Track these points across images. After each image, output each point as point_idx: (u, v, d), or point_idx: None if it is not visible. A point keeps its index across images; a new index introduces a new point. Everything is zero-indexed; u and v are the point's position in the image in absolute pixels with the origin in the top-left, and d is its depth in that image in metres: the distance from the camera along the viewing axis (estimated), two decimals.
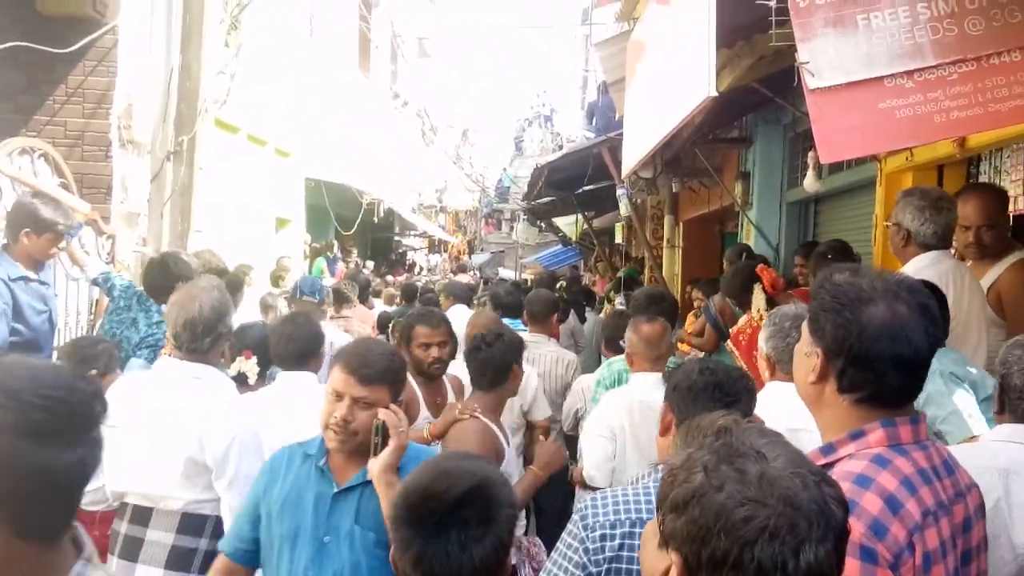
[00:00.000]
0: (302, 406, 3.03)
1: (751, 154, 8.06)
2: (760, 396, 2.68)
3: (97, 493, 2.91)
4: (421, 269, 24.69)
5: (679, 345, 6.66)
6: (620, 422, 3.56)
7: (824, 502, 1.09)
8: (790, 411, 2.51)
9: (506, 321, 5.65)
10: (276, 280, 8.64)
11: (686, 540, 1.11)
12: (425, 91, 23.73)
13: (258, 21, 7.91)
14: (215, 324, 2.86)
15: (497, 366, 3.33)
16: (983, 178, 4.74)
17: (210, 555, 2.68)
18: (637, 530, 1.99)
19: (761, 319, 4.64)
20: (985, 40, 2.98)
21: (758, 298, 4.65)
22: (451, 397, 3.90)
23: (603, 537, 2.01)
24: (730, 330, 5.20)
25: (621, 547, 2.00)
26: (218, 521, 2.78)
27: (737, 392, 2.27)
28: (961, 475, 1.66)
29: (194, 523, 2.79)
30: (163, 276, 4.35)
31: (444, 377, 3.93)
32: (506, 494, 1.67)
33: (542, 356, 4.94)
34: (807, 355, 1.68)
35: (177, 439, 2.75)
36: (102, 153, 5.75)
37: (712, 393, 2.25)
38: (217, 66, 6.83)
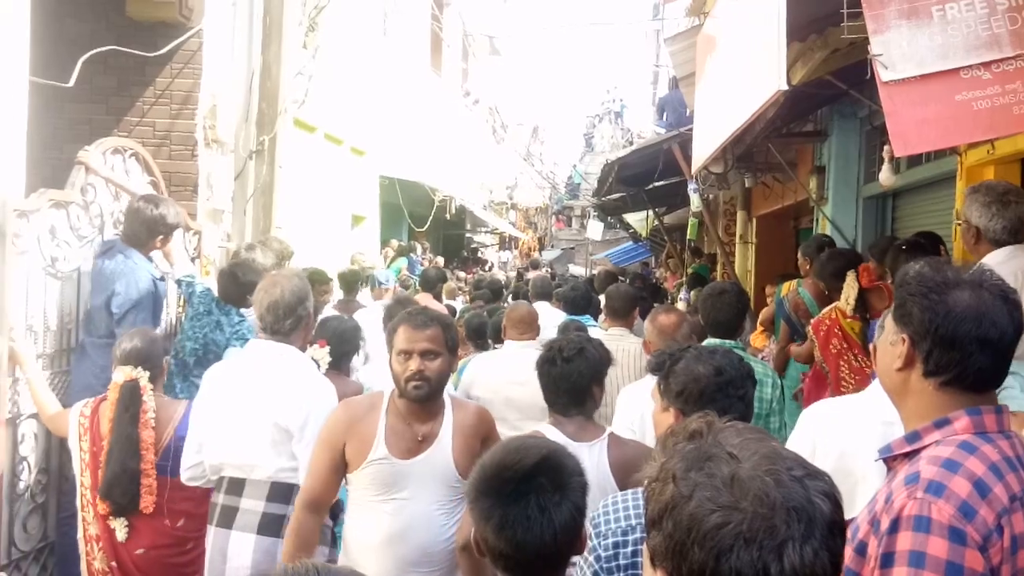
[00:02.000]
0: None
1: (826, 148, 7.92)
2: (866, 391, 2.63)
3: (197, 469, 3.24)
4: (492, 266, 24.84)
5: (751, 341, 6.62)
6: (640, 412, 3.40)
7: (807, 498, 1.02)
8: (887, 405, 2.49)
9: (574, 318, 5.71)
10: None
11: (666, 556, 1.06)
12: (495, 89, 23.89)
13: (334, 22, 8.12)
14: (295, 307, 3.18)
15: (574, 385, 2.89)
16: None
17: None
18: None
19: (846, 310, 4.59)
20: None
21: (851, 288, 4.58)
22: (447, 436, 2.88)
23: (616, 545, 1.97)
24: (811, 321, 5.16)
25: (635, 554, 1.95)
26: None
27: (743, 383, 2.22)
28: None
29: (282, 491, 3.09)
30: (234, 286, 4.59)
31: (451, 403, 2.94)
32: (575, 463, 1.74)
33: (624, 350, 4.86)
34: (892, 344, 1.73)
35: (264, 408, 3.07)
36: (188, 152, 5.99)
37: (726, 392, 2.17)
38: (296, 67, 7.04)
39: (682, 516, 1.03)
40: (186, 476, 3.29)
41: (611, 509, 2.06)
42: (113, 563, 3.54)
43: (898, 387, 1.73)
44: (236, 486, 3.13)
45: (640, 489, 2.04)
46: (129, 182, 4.86)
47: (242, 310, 4.73)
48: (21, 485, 4.04)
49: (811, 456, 2.51)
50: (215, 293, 4.70)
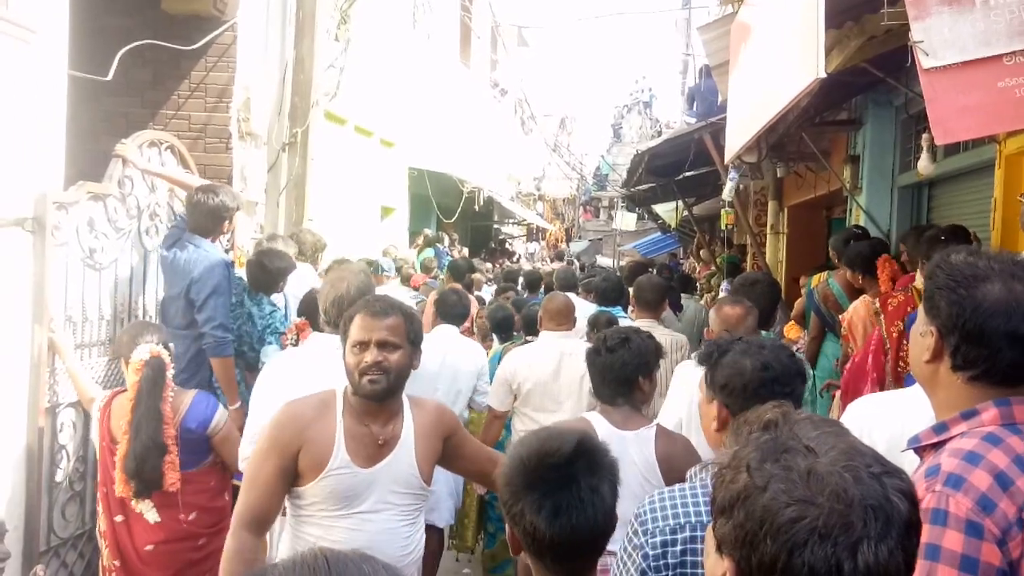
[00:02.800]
0: None
1: (861, 137, 7.81)
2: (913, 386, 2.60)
3: None
4: (519, 257, 24.86)
5: (785, 332, 6.57)
6: (690, 399, 3.34)
7: (884, 496, 1.01)
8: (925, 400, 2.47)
9: (604, 309, 5.70)
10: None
11: (735, 545, 1.04)
12: (524, 80, 23.86)
13: (365, 15, 8.15)
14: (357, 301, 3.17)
15: (618, 375, 2.93)
16: None
17: None
18: (699, 534, 1.89)
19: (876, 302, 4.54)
20: None
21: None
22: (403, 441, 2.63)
23: (664, 544, 1.92)
24: (840, 317, 5.11)
25: (684, 552, 1.91)
26: None
27: (792, 380, 2.14)
28: None
29: None
30: (263, 274, 4.69)
31: (409, 402, 2.69)
32: (603, 444, 1.77)
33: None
34: (922, 335, 1.70)
35: None
36: (223, 145, 6.06)
37: (771, 388, 2.10)
38: (328, 60, 7.08)
39: (755, 507, 1.02)
40: (244, 464, 3.33)
41: (658, 507, 2.00)
42: (116, 561, 3.54)
43: (928, 378, 1.71)
44: None
45: (687, 485, 2.04)
46: (168, 170, 4.94)
47: (274, 298, 4.79)
48: (60, 473, 4.12)
49: None
50: (245, 282, 4.76)
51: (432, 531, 4.27)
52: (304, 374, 3.19)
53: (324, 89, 7.00)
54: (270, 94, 6.53)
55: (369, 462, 2.52)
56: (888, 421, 2.49)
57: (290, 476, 2.50)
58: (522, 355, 4.61)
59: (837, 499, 0.99)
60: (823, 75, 3.02)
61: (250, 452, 3.25)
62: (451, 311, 5.09)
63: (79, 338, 4.27)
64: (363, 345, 2.52)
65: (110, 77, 4.61)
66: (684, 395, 3.45)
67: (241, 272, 5.00)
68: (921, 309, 1.73)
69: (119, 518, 3.56)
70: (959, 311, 1.59)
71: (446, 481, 4.57)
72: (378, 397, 2.53)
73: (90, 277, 4.38)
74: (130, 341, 3.67)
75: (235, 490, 4.42)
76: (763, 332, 3.88)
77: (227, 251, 5.52)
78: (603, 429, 2.80)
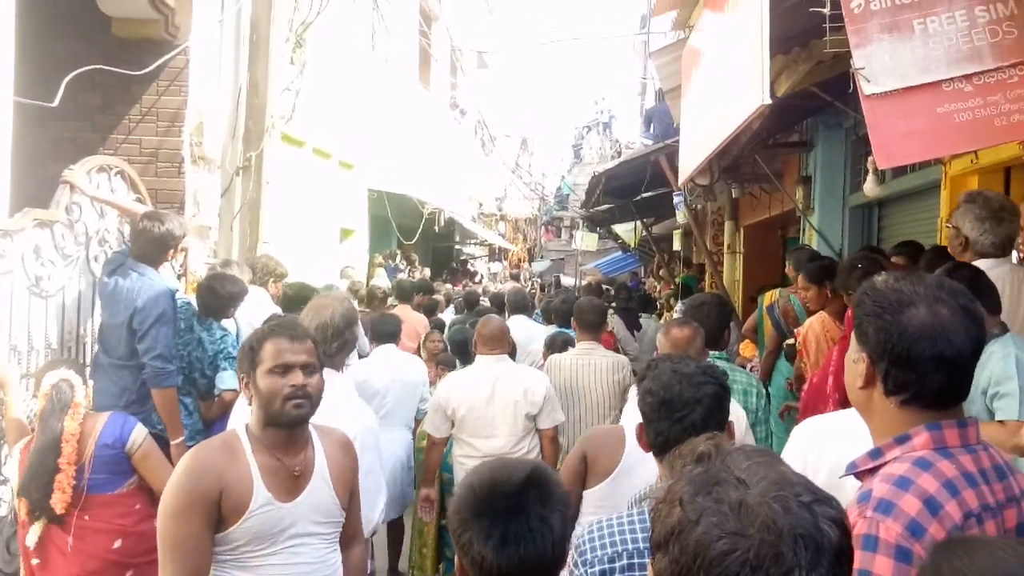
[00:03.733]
0: None
1: (812, 158, 7.97)
2: None
3: None
4: (482, 277, 24.86)
5: (740, 351, 6.64)
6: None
7: (815, 525, 1.01)
8: None
9: (565, 331, 5.72)
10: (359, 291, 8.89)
11: None
12: (484, 102, 23.93)
13: (322, 38, 8.13)
14: (343, 330, 3.20)
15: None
16: None
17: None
18: (636, 561, 1.93)
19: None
20: None
21: None
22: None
23: (603, 572, 1.95)
24: (796, 330, 5.16)
25: None
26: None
27: (686, 404, 2.18)
28: (1017, 481, 1.65)
29: None
30: (213, 299, 4.60)
31: (316, 432, 2.62)
32: (556, 474, 1.76)
33: (594, 365, 4.90)
34: (855, 361, 1.71)
35: None
36: (175, 169, 5.99)
37: (660, 413, 2.19)
38: (283, 83, 7.04)
39: (688, 541, 1.02)
40: None
41: (596, 536, 2.03)
42: None
43: (863, 404, 1.72)
44: None
45: (624, 514, 2.05)
46: (116, 198, 4.86)
47: (225, 323, 4.72)
48: (3, 507, 4.00)
49: (802, 472, 2.51)
50: (195, 307, 4.67)
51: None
52: None
53: (280, 112, 6.95)
54: (224, 118, 6.48)
55: (289, 495, 2.45)
56: (835, 443, 2.52)
57: (214, 526, 2.35)
58: (455, 380, 4.59)
59: (767, 530, 0.99)
60: (768, 101, 3.07)
61: None
62: (383, 330, 5.27)
63: (24, 367, 4.17)
64: (285, 368, 2.41)
65: (56, 103, 4.54)
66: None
67: (191, 298, 4.93)
68: (853, 336, 1.75)
69: (35, 561, 3.41)
70: (886, 336, 1.61)
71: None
72: (299, 423, 2.45)
73: (36, 305, 4.29)
74: (42, 373, 3.57)
75: None
76: (715, 352, 3.90)
77: (179, 277, 5.45)
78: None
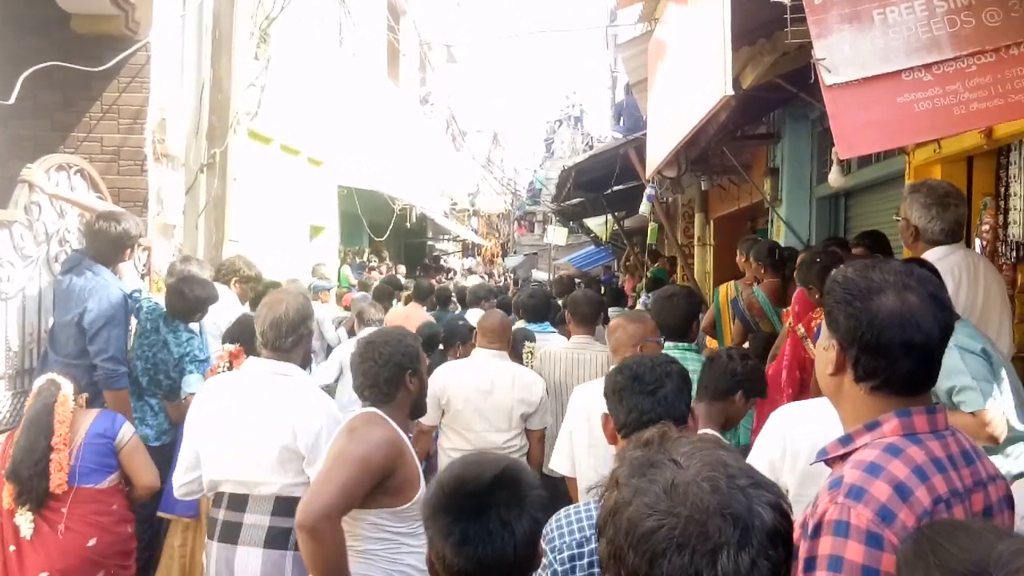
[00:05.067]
0: None
1: (779, 150, 8.01)
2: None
3: (193, 484, 3.20)
4: (455, 273, 24.81)
5: (707, 343, 6.66)
6: (587, 414, 3.48)
7: (747, 507, 1.02)
8: None
9: (531, 327, 5.68)
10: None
11: (608, 561, 1.07)
12: (454, 96, 23.87)
13: (287, 33, 8.05)
14: (298, 325, 3.16)
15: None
16: (1013, 168, 4.69)
17: None
18: None
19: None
20: (1004, 31, 2.96)
21: None
22: None
23: (572, 558, 1.97)
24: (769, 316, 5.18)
25: (591, 564, 1.96)
26: None
27: (657, 379, 2.28)
28: (984, 465, 1.68)
29: (288, 505, 3.01)
30: (182, 302, 4.55)
31: None
32: (532, 476, 1.74)
33: (590, 359, 4.83)
34: (825, 349, 1.73)
35: (272, 430, 3.03)
36: (138, 167, 5.90)
37: (633, 387, 2.26)
38: (247, 79, 6.97)
39: (621, 520, 1.04)
40: (181, 492, 3.24)
41: (564, 523, 2.05)
42: None
43: (833, 391, 1.74)
44: (238, 502, 3.08)
45: (590, 502, 2.07)
46: (77, 196, 4.79)
47: (191, 325, 4.66)
48: None
49: (780, 458, 2.53)
50: (162, 308, 4.61)
51: None
52: (241, 399, 3.12)
53: (244, 108, 6.88)
54: (187, 114, 6.40)
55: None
56: (809, 429, 2.55)
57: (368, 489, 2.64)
58: (452, 370, 4.54)
59: (696, 508, 1.00)
60: (731, 92, 3.08)
61: (185, 479, 3.19)
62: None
63: None
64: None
65: (12, 101, 4.45)
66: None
67: (158, 298, 4.85)
68: (823, 324, 1.76)
69: (12, 548, 3.39)
70: (856, 324, 1.62)
71: None
72: None
73: None
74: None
75: (161, 522, 4.31)
76: (683, 344, 3.91)
77: (143, 276, 5.37)
78: None
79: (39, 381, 3.49)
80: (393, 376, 2.88)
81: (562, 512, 2.07)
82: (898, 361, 1.60)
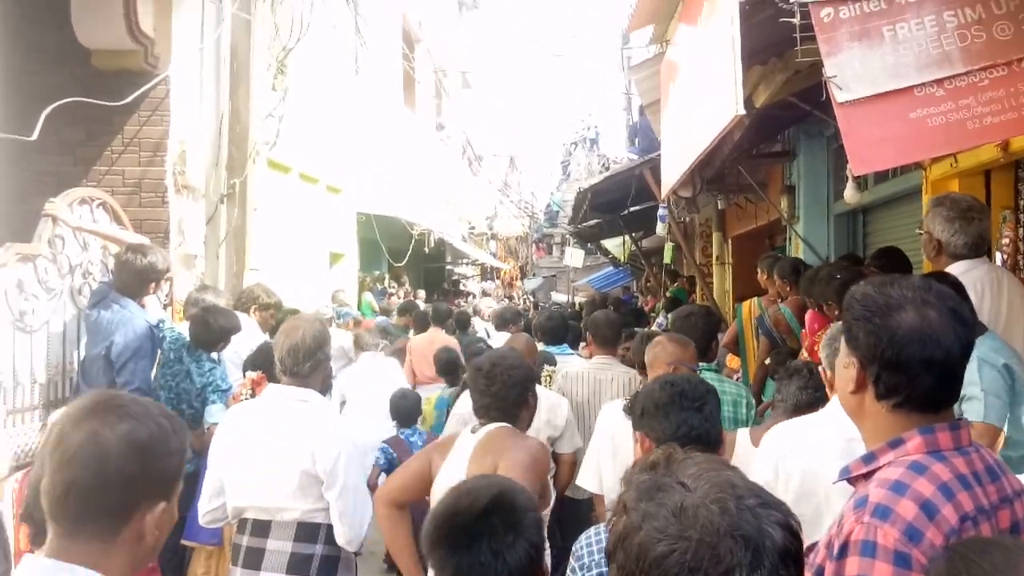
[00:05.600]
0: None
1: (795, 167, 8.00)
2: (826, 408, 2.69)
3: (218, 511, 3.23)
4: (474, 297, 24.85)
5: (727, 362, 6.63)
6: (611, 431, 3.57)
7: (757, 527, 1.02)
8: (848, 422, 2.52)
9: (550, 349, 5.69)
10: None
11: None
12: (470, 121, 24.02)
13: (304, 64, 8.16)
14: (315, 351, 3.18)
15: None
16: None
17: (325, 559, 3.06)
18: None
19: None
20: (1015, 45, 2.96)
21: None
22: None
23: None
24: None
25: None
26: (329, 528, 3.06)
27: (702, 396, 2.28)
28: (1009, 481, 1.67)
29: (309, 531, 3.07)
30: (206, 332, 4.62)
31: None
32: (528, 499, 1.73)
33: (615, 379, 4.82)
34: (845, 367, 1.72)
35: (292, 455, 3.05)
36: (159, 199, 5.98)
37: (680, 403, 2.25)
38: (265, 109, 7.06)
39: (632, 546, 1.04)
40: (206, 519, 3.27)
41: (594, 540, 2.08)
42: None
43: (854, 409, 1.73)
44: (262, 528, 3.10)
45: None
46: (101, 227, 4.86)
47: (214, 355, 4.71)
48: None
49: (774, 479, 2.52)
50: (186, 338, 4.67)
51: None
52: (263, 426, 3.14)
53: (263, 139, 6.97)
54: (206, 146, 6.48)
55: None
56: (804, 445, 2.54)
57: None
58: None
59: (706, 532, 1.00)
60: (742, 112, 3.09)
61: (211, 507, 3.21)
62: None
63: (11, 404, 4.14)
64: None
65: (35, 137, 4.53)
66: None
67: (181, 327, 4.90)
68: (843, 342, 1.76)
69: None
70: (876, 340, 1.62)
71: None
72: None
73: (21, 340, 4.26)
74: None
75: (186, 550, 4.33)
76: (702, 364, 3.90)
77: (165, 307, 5.43)
78: None
79: (54, 416, 3.50)
80: (519, 396, 3.06)
81: (592, 530, 2.10)
82: (919, 378, 1.60)
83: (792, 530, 1.06)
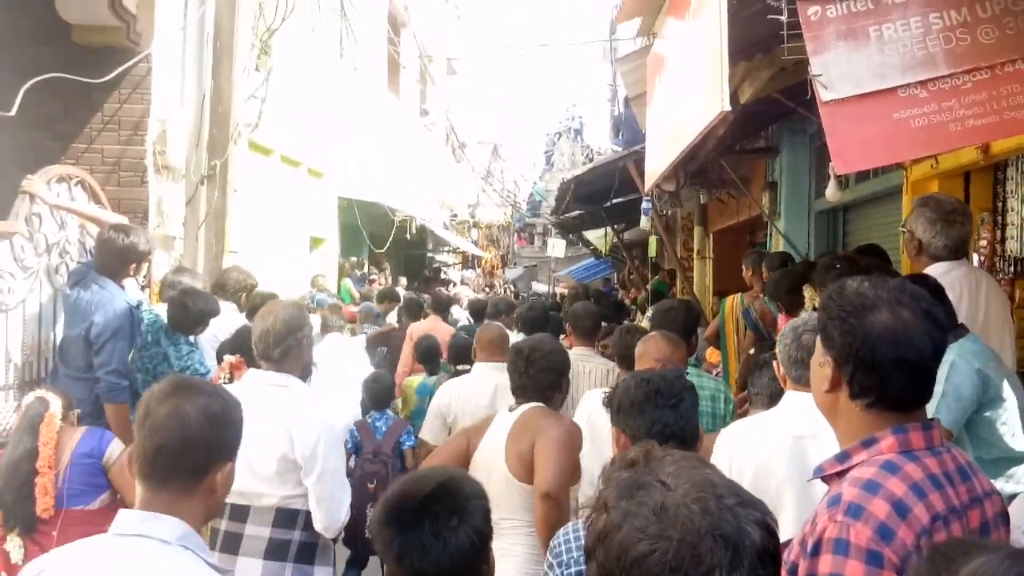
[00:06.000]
0: None
1: (778, 164, 8.04)
2: (778, 405, 2.72)
3: None
4: (455, 284, 24.81)
5: (707, 357, 6.66)
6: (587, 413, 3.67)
7: (736, 527, 1.03)
8: (797, 419, 2.56)
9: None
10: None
11: None
12: (455, 108, 23.94)
13: (288, 45, 8.08)
14: (285, 336, 3.18)
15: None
16: (1011, 184, 4.71)
17: (303, 545, 3.08)
18: None
19: None
20: (998, 48, 2.99)
21: (813, 300, 4.59)
22: None
23: (580, 574, 1.98)
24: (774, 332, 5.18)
25: None
26: (308, 514, 3.07)
27: (678, 393, 2.29)
28: (980, 481, 1.69)
29: (287, 517, 3.08)
30: (184, 315, 4.58)
31: None
32: (475, 487, 1.77)
33: (593, 370, 4.82)
34: (820, 365, 1.74)
35: (270, 441, 3.04)
36: (138, 179, 5.91)
37: (655, 401, 2.26)
38: (248, 90, 6.99)
39: (612, 545, 1.03)
40: None
41: (572, 537, 2.07)
42: None
43: (829, 407, 1.74)
44: (240, 512, 3.09)
45: None
46: (81, 206, 4.80)
47: (192, 338, 4.67)
48: None
49: (727, 475, 2.56)
50: (163, 321, 4.63)
51: None
52: (248, 409, 3.10)
53: (245, 120, 6.90)
54: (187, 126, 6.41)
55: None
56: (754, 442, 2.57)
57: None
58: (455, 388, 4.51)
59: (687, 531, 1.00)
60: (727, 108, 3.10)
61: None
62: None
63: None
64: None
65: (14, 112, 4.46)
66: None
67: (159, 309, 4.86)
68: (818, 340, 1.77)
69: (3, 574, 3.35)
70: (851, 340, 1.63)
71: None
72: None
73: None
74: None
75: None
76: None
77: (143, 288, 5.38)
78: None
79: (27, 398, 3.44)
80: (555, 380, 3.26)
81: (569, 526, 2.10)
82: (892, 378, 1.61)
83: (770, 529, 1.06)
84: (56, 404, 3.41)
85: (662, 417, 2.23)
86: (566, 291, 16.72)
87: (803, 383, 2.60)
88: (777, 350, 2.75)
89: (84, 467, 3.40)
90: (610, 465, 1.16)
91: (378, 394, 5.45)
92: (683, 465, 1.11)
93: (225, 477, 1.87)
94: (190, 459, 1.80)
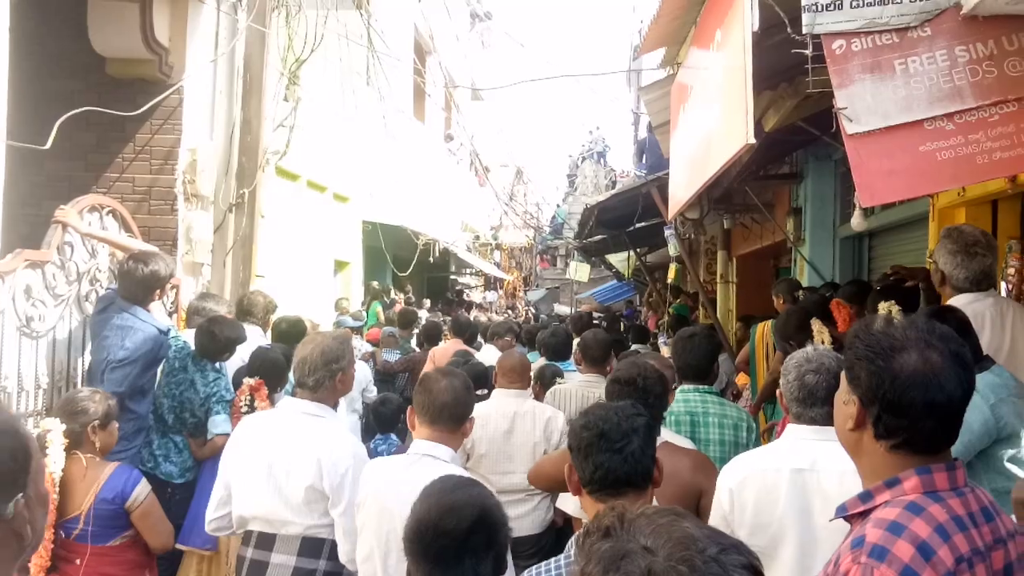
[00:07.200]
0: None
1: (802, 190, 8.02)
2: (780, 439, 2.71)
3: (223, 520, 3.23)
4: (472, 306, 24.83)
5: (736, 382, 6.64)
6: None
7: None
8: (797, 453, 2.56)
9: (553, 364, 5.70)
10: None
11: None
12: (479, 133, 24.05)
13: (316, 74, 8.18)
14: (320, 366, 3.20)
15: None
16: None
17: (328, 574, 3.07)
18: None
19: None
20: None
21: (820, 334, 4.57)
22: None
23: None
24: None
25: None
26: (333, 544, 3.07)
27: (624, 435, 2.19)
28: (1003, 521, 1.67)
29: (313, 546, 3.09)
30: (211, 342, 4.63)
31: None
32: (502, 515, 1.82)
33: (600, 397, 4.83)
34: (845, 403, 1.72)
35: (299, 469, 3.07)
36: (168, 207, 6.01)
37: (598, 445, 2.18)
38: (277, 119, 7.09)
39: None
40: (212, 527, 3.27)
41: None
42: None
43: (852, 445, 1.73)
44: (266, 541, 3.12)
45: (563, 558, 2.03)
46: (110, 235, 4.88)
47: (218, 364, 4.72)
48: None
49: (731, 511, 2.55)
50: (191, 347, 4.68)
51: None
52: (272, 437, 3.16)
53: (273, 148, 6.99)
54: (217, 155, 6.51)
55: None
56: (754, 477, 2.57)
57: None
58: (476, 413, 4.53)
59: None
60: (752, 141, 3.10)
61: (216, 515, 3.23)
62: None
63: (14, 408, 4.15)
64: None
65: (48, 146, 4.55)
66: None
67: (186, 335, 4.92)
68: (843, 377, 1.76)
69: None
70: (878, 382, 1.62)
71: None
72: None
73: (26, 346, 4.28)
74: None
75: (176, 557, 4.33)
76: (704, 386, 3.89)
77: (171, 314, 5.45)
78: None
79: (46, 422, 3.44)
80: (659, 402, 3.25)
81: (533, 569, 2.01)
82: (920, 422, 1.60)
83: (755, 570, 1.06)
84: (57, 444, 3.36)
85: (605, 463, 2.16)
86: (587, 310, 16.63)
87: (804, 420, 2.61)
88: (780, 383, 2.74)
89: (104, 512, 3.42)
90: (585, 537, 1.13)
91: (386, 417, 5.46)
92: (660, 524, 1.09)
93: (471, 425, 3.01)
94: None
